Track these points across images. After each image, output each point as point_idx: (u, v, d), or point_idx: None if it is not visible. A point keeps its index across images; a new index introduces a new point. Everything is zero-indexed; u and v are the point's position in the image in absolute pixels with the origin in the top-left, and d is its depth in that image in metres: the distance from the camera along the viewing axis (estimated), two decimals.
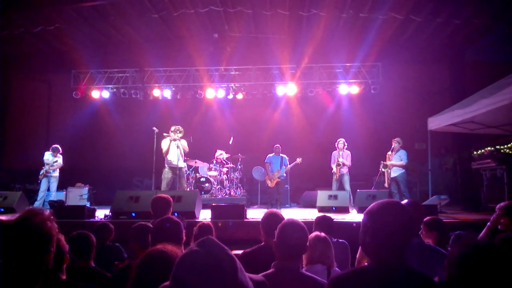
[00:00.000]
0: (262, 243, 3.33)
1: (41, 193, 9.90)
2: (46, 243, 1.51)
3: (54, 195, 10.04)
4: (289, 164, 10.34)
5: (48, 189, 10.06)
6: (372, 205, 1.82)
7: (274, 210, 3.66)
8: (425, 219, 3.90)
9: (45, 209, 1.75)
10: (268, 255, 2.53)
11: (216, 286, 1.14)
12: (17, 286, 1.42)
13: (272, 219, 3.20)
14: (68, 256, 2.69)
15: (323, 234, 3.24)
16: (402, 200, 7.47)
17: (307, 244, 2.50)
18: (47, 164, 10.02)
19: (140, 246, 3.23)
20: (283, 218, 2.97)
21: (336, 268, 3.15)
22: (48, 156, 10.12)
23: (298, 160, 10.12)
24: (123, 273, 2.92)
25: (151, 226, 3.49)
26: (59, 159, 10.18)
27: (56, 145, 10.24)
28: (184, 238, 2.90)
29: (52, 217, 1.59)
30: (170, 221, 2.89)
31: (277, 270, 2.32)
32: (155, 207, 4.34)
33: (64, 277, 2.54)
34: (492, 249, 1.68)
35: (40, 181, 10.02)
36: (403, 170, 9.62)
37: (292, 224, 2.43)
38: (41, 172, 9.97)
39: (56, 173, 10.14)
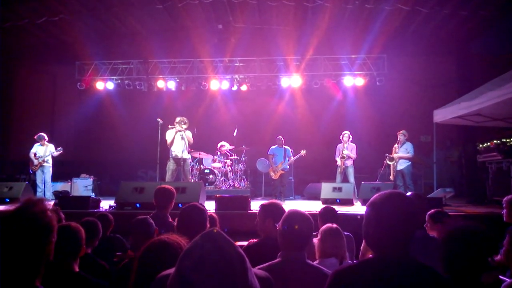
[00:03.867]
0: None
1: (40, 185, 9.78)
2: (47, 233, 1.47)
3: (50, 186, 9.89)
4: (293, 156, 10.33)
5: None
6: (374, 196, 1.77)
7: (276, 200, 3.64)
8: (429, 212, 3.88)
9: (45, 198, 1.71)
10: (274, 247, 2.53)
11: (225, 286, 1.05)
12: (18, 278, 1.40)
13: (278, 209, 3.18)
14: (84, 246, 2.65)
15: (335, 225, 3.21)
16: (406, 192, 7.47)
17: (316, 235, 2.48)
18: (40, 156, 9.73)
19: (145, 239, 3.23)
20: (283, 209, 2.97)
21: (349, 261, 3.11)
22: (36, 148, 9.82)
23: (303, 152, 10.09)
24: (125, 268, 2.91)
25: (150, 219, 3.49)
26: (50, 147, 9.86)
27: (40, 134, 9.89)
28: (208, 225, 2.90)
29: (51, 207, 1.55)
30: (195, 209, 2.90)
31: (283, 260, 2.32)
32: (158, 198, 4.38)
33: (77, 268, 2.52)
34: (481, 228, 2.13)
35: (34, 172, 9.86)
36: (409, 163, 9.58)
37: (297, 214, 2.42)
38: (36, 163, 9.71)
39: (49, 163, 9.86)
